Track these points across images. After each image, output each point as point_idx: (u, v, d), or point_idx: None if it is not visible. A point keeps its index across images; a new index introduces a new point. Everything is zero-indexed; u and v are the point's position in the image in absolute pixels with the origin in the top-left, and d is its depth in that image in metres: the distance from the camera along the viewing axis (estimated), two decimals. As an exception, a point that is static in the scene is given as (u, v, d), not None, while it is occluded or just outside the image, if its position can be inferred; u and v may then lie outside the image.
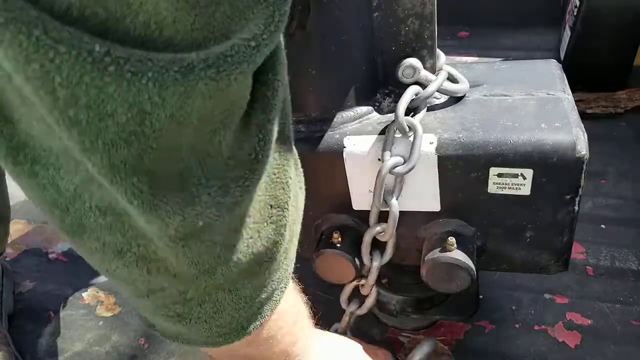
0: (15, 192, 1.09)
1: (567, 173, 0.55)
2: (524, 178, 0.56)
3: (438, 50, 0.60)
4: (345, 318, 0.74)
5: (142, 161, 0.28)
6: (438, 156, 0.57)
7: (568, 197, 0.57)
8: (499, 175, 0.56)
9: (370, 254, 0.65)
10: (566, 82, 0.63)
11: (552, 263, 0.63)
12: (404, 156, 0.57)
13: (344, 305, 0.73)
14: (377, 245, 0.65)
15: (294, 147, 0.41)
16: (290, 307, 0.50)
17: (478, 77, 0.65)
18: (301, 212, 0.45)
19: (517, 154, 0.55)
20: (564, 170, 0.55)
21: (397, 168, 0.57)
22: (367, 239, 0.63)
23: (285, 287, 0.46)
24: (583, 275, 0.88)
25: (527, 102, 0.59)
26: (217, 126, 0.31)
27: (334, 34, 0.55)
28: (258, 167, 0.35)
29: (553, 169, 0.55)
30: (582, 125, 0.56)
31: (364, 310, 0.72)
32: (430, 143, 0.57)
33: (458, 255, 0.60)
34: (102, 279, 1.01)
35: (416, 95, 0.58)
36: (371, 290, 0.69)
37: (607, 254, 0.90)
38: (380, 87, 0.62)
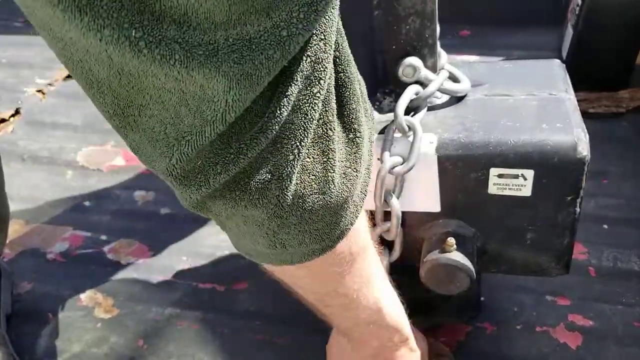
0: (14, 192, 1.09)
1: (568, 174, 0.55)
2: (525, 179, 0.55)
3: (439, 49, 0.60)
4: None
5: (178, 126, 0.33)
6: (438, 156, 0.56)
7: (569, 198, 0.56)
8: (500, 175, 0.56)
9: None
10: (569, 82, 0.63)
11: (552, 265, 0.63)
12: (403, 156, 0.56)
13: None
14: (385, 244, 0.65)
15: (322, 121, 0.40)
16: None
17: (480, 77, 0.64)
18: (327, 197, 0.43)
19: (517, 155, 0.55)
20: (565, 171, 0.54)
21: (396, 168, 0.56)
22: (373, 239, 0.63)
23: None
24: (585, 277, 0.87)
25: (529, 103, 0.59)
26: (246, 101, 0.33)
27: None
28: (263, 135, 0.36)
29: (554, 170, 0.54)
30: (584, 126, 0.56)
31: (394, 256, 0.67)
32: (430, 143, 0.56)
33: (457, 256, 0.59)
34: (101, 280, 1.00)
35: (416, 94, 0.57)
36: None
37: (610, 255, 0.90)
38: (381, 86, 0.61)
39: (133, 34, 0.27)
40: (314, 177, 0.41)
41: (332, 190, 0.42)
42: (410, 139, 0.56)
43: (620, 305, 0.83)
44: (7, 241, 0.96)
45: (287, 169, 0.38)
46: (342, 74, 0.41)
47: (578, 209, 0.57)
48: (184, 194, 0.38)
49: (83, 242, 1.08)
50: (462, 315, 0.83)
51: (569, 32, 1.21)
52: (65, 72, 1.52)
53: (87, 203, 1.17)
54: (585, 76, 1.15)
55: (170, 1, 0.28)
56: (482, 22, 1.43)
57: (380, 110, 0.61)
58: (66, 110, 1.44)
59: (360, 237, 0.50)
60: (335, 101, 0.41)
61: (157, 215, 1.12)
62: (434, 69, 0.59)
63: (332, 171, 0.41)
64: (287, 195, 0.40)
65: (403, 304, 0.60)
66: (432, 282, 0.62)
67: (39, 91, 1.50)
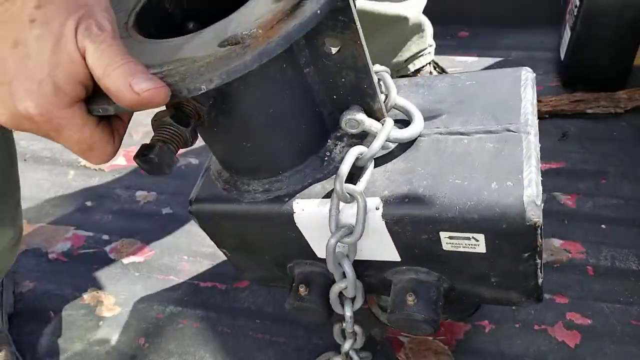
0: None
1: (519, 238, 0.52)
2: (477, 240, 0.54)
3: (390, 83, 0.58)
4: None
5: None
6: (385, 222, 0.55)
7: (526, 255, 0.54)
8: (450, 237, 0.54)
9: (342, 303, 0.66)
10: (535, 100, 0.59)
11: (523, 300, 0.62)
12: (350, 225, 0.55)
13: (339, 341, 0.74)
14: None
15: None
16: None
17: (438, 102, 0.61)
18: None
19: (464, 221, 0.52)
20: (516, 235, 0.52)
21: (344, 239, 0.55)
22: (333, 295, 0.64)
23: None
24: (583, 275, 0.88)
25: (484, 146, 0.56)
26: None
27: (259, 110, 0.52)
28: None
29: (504, 235, 0.52)
30: (539, 178, 0.53)
31: (359, 344, 0.73)
32: (377, 209, 0.54)
33: (417, 310, 0.60)
34: (102, 279, 1.01)
35: (360, 155, 0.55)
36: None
37: (608, 254, 0.90)
38: (331, 132, 0.59)
39: None
40: None
41: None
42: (354, 209, 0.54)
43: (618, 304, 0.83)
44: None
45: None
46: None
47: (538, 261, 0.55)
48: None
49: (85, 241, 1.09)
50: (461, 313, 0.83)
51: (567, 33, 1.22)
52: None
53: (88, 203, 1.18)
54: (584, 77, 1.16)
55: None
56: (481, 23, 1.44)
57: (332, 160, 0.58)
58: (67, 110, 1.44)
59: None
60: None
61: (159, 215, 1.13)
62: (381, 112, 0.56)
63: None
64: None
65: None
66: (399, 327, 0.64)
67: (40, 92, 1.50)
